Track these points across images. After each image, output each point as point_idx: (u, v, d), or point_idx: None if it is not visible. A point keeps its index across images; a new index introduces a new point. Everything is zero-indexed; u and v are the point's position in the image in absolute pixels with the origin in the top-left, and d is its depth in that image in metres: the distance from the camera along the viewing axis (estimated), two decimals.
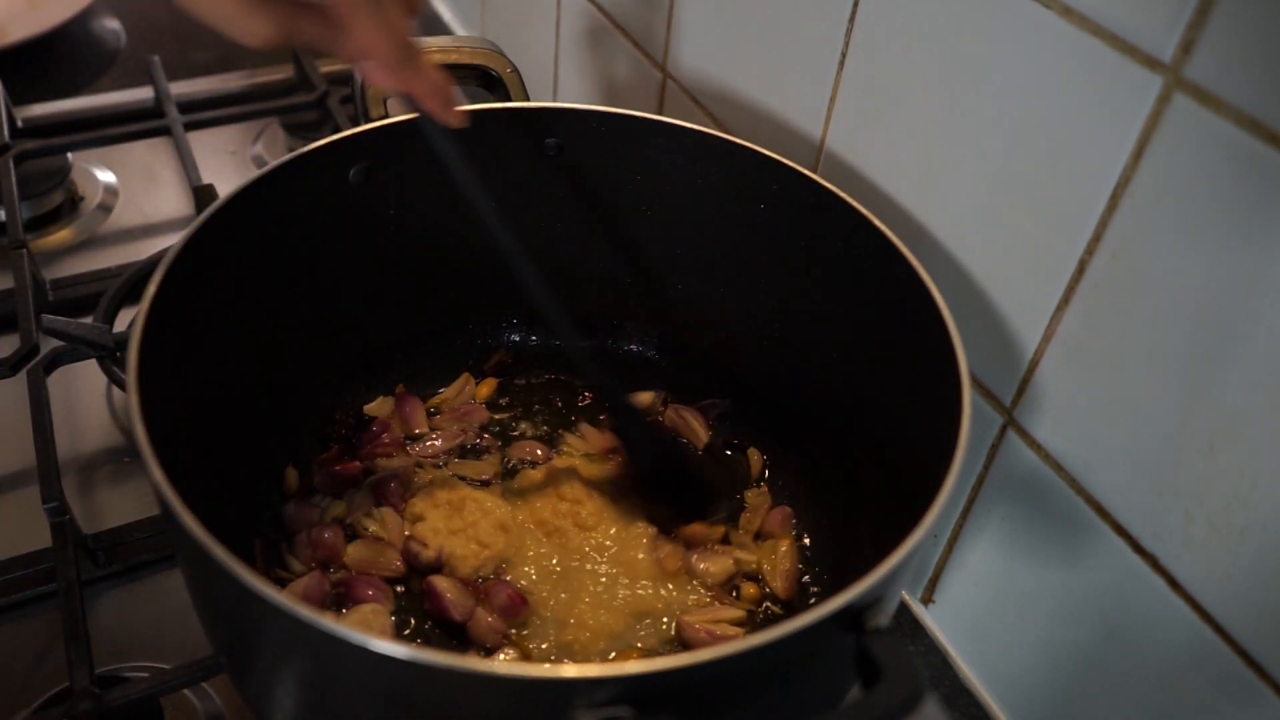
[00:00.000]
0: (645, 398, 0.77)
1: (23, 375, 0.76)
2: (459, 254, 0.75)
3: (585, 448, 0.74)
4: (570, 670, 0.39)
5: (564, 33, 1.01)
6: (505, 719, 0.43)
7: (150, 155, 1.09)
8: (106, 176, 1.05)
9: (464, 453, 0.73)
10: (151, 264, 0.87)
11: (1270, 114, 0.43)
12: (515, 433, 0.75)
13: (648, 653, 0.62)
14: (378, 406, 0.75)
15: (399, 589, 0.65)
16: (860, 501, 0.66)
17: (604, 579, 0.65)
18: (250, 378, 0.65)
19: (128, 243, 0.99)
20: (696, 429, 0.76)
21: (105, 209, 1.02)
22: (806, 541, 0.70)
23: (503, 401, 0.78)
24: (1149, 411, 0.52)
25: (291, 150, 0.63)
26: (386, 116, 0.67)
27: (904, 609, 0.72)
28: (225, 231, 0.59)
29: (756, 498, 0.72)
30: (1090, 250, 0.53)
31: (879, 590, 0.43)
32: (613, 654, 0.62)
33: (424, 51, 0.70)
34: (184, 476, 0.46)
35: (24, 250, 0.86)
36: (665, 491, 0.69)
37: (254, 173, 0.61)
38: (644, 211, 0.74)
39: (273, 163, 0.62)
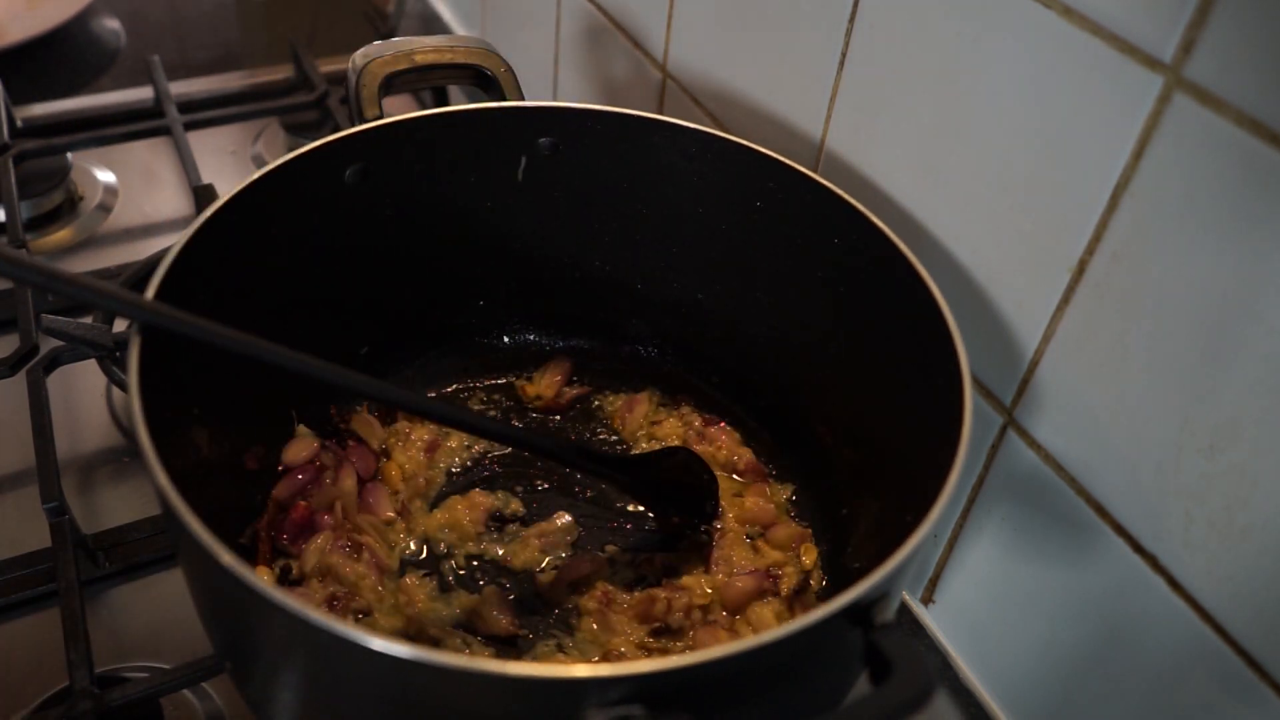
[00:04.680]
0: (643, 399, 0.77)
1: (22, 375, 0.76)
2: (457, 254, 0.75)
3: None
4: (582, 670, 0.38)
5: (564, 33, 1.01)
6: (514, 719, 0.43)
7: (150, 155, 1.09)
8: (106, 176, 1.05)
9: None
10: (151, 264, 0.87)
11: (1270, 114, 0.43)
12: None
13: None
14: (362, 420, 0.73)
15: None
16: (861, 500, 0.66)
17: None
18: (249, 376, 0.64)
19: (128, 243, 0.99)
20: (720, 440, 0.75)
21: (105, 209, 1.02)
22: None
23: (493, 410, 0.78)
24: (1149, 411, 0.52)
25: (291, 150, 0.63)
26: (381, 117, 0.67)
27: (904, 609, 0.72)
28: (225, 231, 0.59)
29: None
30: (1090, 250, 0.53)
31: (886, 585, 0.44)
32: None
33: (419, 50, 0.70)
34: (184, 476, 0.46)
35: (24, 250, 0.86)
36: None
37: (254, 173, 0.61)
38: (642, 211, 0.74)
39: (272, 163, 0.62)
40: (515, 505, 0.70)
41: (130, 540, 0.71)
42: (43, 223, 0.99)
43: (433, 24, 1.33)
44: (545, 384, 0.78)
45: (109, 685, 0.60)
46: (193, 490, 0.45)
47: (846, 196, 0.63)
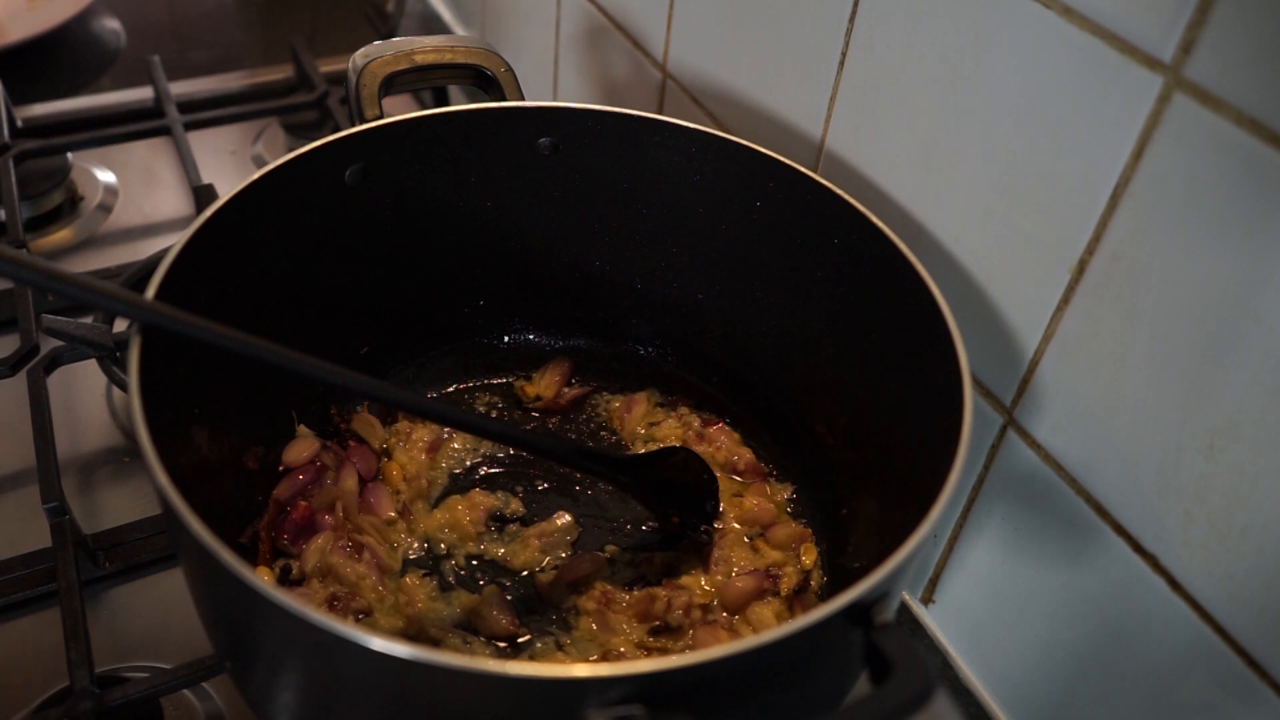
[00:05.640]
0: (641, 399, 0.77)
1: (23, 375, 0.76)
2: (457, 254, 0.75)
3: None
4: (582, 669, 0.39)
5: (564, 33, 1.01)
6: (514, 719, 0.43)
7: (150, 155, 1.09)
8: (106, 176, 1.05)
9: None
10: (151, 264, 0.87)
11: (1270, 114, 0.43)
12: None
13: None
14: (362, 420, 0.73)
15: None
16: (861, 500, 0.66)
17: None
18: (249, 376, 0.64)
19: (128, 243, 0.99)
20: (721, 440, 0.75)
21: (105, 209, 1.02)
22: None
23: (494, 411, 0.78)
24: (1149, 411, 0.52)
25: (291, 150, 0.63)
26: (381, 117, 0.67)
27: (904, 609, 0.72)
28: (225, 231, 0.59)
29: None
30: (1090, 250, 0.53)
31: (886, 585, 0.44)
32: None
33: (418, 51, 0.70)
34: (184, 476, 0.46)
35: (24, 250, 0.86)
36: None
37: (254, 173, 0.61)
38: (642, 211, 0.74)
39: (272, 163, 0.62)
40: (515, 505, 0.70)
41: (130, 540, 0.71)
42: (43, 223, 0.99)
43: (433, 24, 1.33)
44: (545, 384, 0.78)
45: (109, 685, 0.60)
46: (193, 490, 0.45)
47: (846, 196, 0.63)
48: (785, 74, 0.72)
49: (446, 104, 1.13)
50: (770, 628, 0.57)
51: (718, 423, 0.75)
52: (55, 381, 0.79)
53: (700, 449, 0.73)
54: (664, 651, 0.62)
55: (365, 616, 0.62)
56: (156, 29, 1.32)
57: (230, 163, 1.10)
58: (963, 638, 0.69)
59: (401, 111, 0.68)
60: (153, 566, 0.71)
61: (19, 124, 1.06)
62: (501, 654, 0.62)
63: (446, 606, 0.63)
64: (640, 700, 0.39)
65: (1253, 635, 0.49)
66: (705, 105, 0.82)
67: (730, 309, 0.75)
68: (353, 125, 0.67)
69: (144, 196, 1.04)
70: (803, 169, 0.65)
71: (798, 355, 0.71)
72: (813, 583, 0.66)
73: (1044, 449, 0.59)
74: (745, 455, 0.73)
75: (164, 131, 1.04)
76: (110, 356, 0.77)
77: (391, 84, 0.69)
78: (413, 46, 0.70)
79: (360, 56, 0.69)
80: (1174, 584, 0.53)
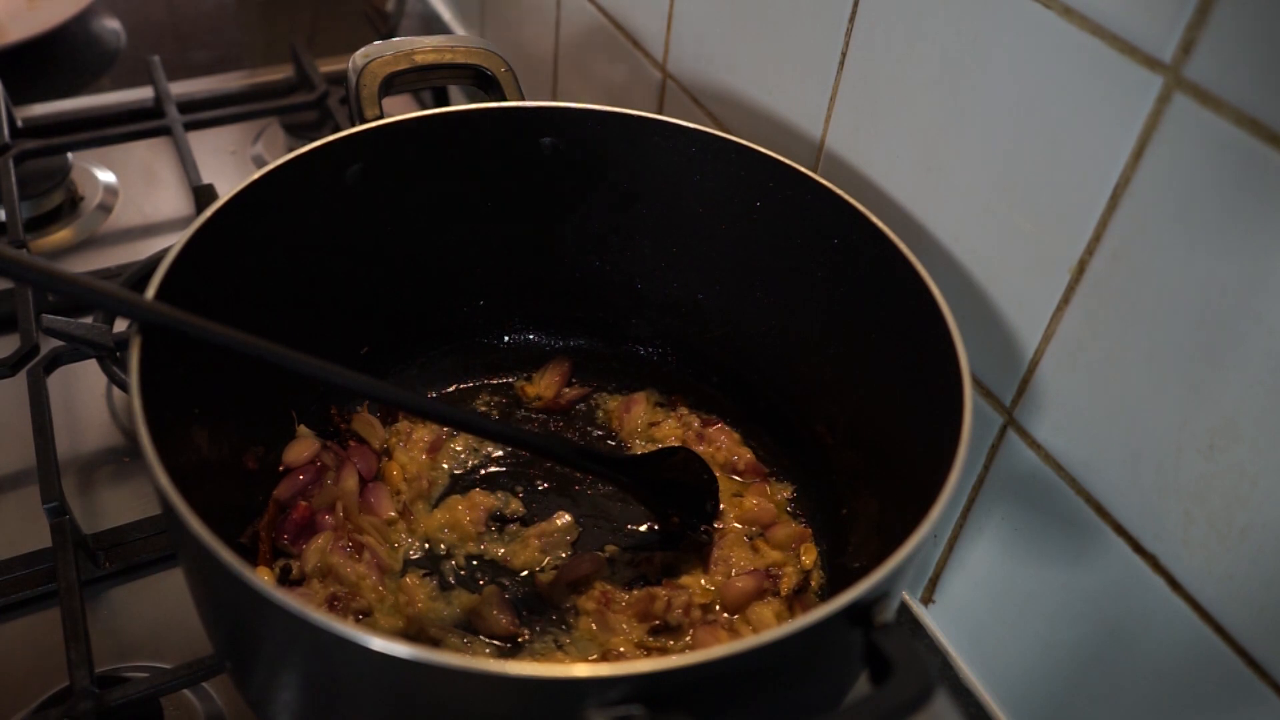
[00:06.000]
0: (640, 399, 0.77)
1: (23, 375, 0.76)
2: (457, 254, 0.75)
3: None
4: (582, 670, 0.39)
5: (564, 33, 1.01)
6: (514, 719, 0.43)
7: (150, 155, 1.09)
8: (106, 176, 1.05)
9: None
10: (151, 264, 0.87)
11: (1270, 114, 0.43)
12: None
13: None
14: (362, 420, 0.73)
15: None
16: (861, 500, 0.66)
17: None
18: (249, 376, 0.64)
19: (128, 243, 0.99)
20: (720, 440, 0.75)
21: (105, 209, 1.02)
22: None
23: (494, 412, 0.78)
24: (1149, 411, 0.52)
25: (291, 150, 0.63)
26: (381, 117, 0.67)
27: (904, 609, 0.72)
28: (225, 231, 0.59)
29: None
30: (1090, 250, 0.53)
31: (886, 585, 0.44)
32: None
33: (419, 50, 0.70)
34: (184, 476, 0.46)
35: (24, 250, 0.86)
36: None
37: (254, 173, 0.61)
38: (642, 211, 0.74)
39: (272, 163, 0.62)
40: (515, 505, 0.70)
41: (130, 540, 0.71)
42: (43, 223, 0.99)
43: (433, 24, 1.33)
44: (545, 384, 0.78)
45: (109, 685, 0.60)
46: (193, 490, 0.45)
47: (846, 196, 0.63)
48: (785, 74, 0.72)
49: (446, 104, 1.13)
50: (770, 628, 0.57)
51: (718, 423, 0.76)
52: (55, 381, 0.79)
53: (700, 449, 0.73)
54: (664, 651, 0.62)
55: (365, 616, 0.62)
56: (156, 29, 1.32)
57: (230, 163, 1.10)
58: (963, 638, 0.69)
59: (401, 111, 0.68)
60: (153, 566, 0.71)
61: (19, 124, 1.06)
62: (501, 654, 0.62)
63: (446, 606, 0.63)
64: (640, 700, 0.39)
65: (1253, 635, 0.49)
66: (705, 105, 0.82)
67: (730, 309, 0.75)
68: (353, 125, 0.67)
69: (144, 196, 1.04)
70: (803, 169, 0.65)
71: (798, 355, 0.71)
72: (813, 583, 0.66)
73: (1044, 449, 0.59)
74: (745, 455, 0.73)
75: (164, 131, 1.04)
76: (110, 356, 0.77)
77: (391, 84, 0.69)
78: (413, 46, 0.70)
79: (360, 56, 0.69)
80: (1174, 584, 0.53)
